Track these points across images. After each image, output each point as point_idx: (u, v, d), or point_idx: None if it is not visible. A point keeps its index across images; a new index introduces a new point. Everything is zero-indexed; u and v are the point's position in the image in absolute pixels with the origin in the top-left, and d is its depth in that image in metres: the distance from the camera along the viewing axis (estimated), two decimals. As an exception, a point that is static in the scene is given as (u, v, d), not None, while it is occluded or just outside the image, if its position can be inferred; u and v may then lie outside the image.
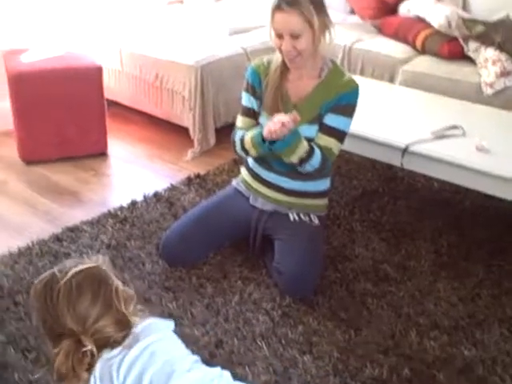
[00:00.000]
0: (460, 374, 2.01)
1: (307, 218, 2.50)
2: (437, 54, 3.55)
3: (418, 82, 3.37)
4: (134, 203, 2.98)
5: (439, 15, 3.57)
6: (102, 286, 1.49)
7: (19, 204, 3.02)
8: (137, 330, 1.52)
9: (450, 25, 3.50)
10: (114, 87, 3.90)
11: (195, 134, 3.55)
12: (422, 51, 3.62)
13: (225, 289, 2.38)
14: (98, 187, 3.22)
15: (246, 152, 2.47)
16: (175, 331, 1.62)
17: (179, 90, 3.57)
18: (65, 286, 1.45)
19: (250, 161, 2.58)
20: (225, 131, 3.59)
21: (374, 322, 2.22)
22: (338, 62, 3.65)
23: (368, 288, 2.39)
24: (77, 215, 2.91)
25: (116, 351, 1.48)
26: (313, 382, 1.97)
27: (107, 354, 1.48)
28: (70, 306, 1.43)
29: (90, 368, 1.46)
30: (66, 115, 3.39)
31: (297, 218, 2.49)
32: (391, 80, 3.55)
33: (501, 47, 3.36)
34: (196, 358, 1.60)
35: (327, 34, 2.32)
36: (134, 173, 3.40)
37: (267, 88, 2.44)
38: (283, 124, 2.18)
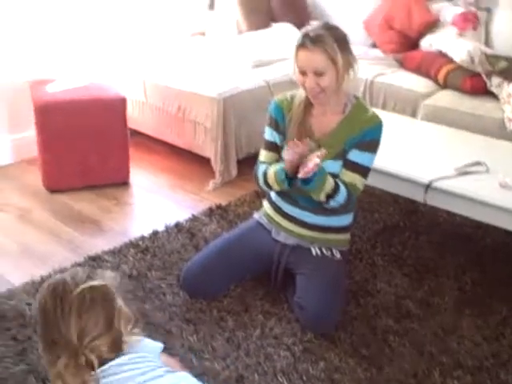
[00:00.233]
0: (484, 416, 1.98)
1: (329, 253, 2.49)
2: (459, 89, 3.55)
3: (440, 117, 3.38)
4: (155, 233, 2.99)
5: (462, 50, 3.58)
6: (107, 307, 1.50)
7: (43, 233, 3.05)
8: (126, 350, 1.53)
9: (472, 60, 3.51)
10: (137, 117, 3.94)
11: (217, 165, 3.58)
12: (444, 86, 3.63)
13: (246, 322, 2.37)
14: (119, 216, 3.25)
15: (269, 187, 2.48)
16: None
17: (202, 121, 3.60)
18: (76, 300, 1.46)
19: (273, 194, 2.59)
20: (247, 162, 3.62)
21: (396, 360, 2.19)
22: (360, 95, 3.67)
23: (390, 324, 2.37)
24: (99, 244, 2.93)
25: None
26: (334, 421, 1.95)
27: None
28: (77, 319, 1.44)
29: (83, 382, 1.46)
30: (90, 145, 3.43)
31: (319, 252, 2.48)
32: (413, 114, 3.55)
33: (524, 83, 3.36)
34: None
35: (351, 72, 2.34)
36: (155, 202, 3.42)
37: (291, 123, 2.45)
38: (316, 164, 2.18)
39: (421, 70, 3.78)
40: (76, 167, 3.45)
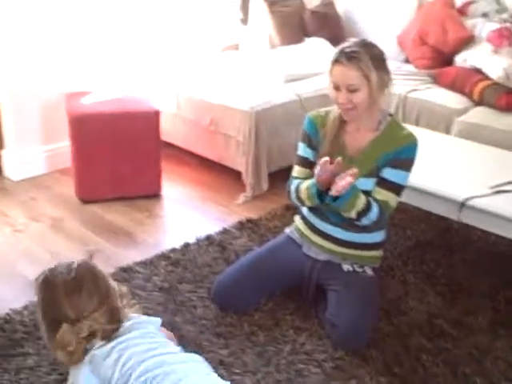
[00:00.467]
0: None
1: (361, 269, 2.47)
2: (494, 106, 3.52)
3: (474, 134, 3.34)
4: (186, 245, 3.00)
5: (497, 67, 3.55)
6: (98, 283, 1.73)
7: (74, 242, 3.07)
8: (126, 324, 1.75)
9: (508, 77, 3.48)
10: (169, 129, 3.97)
11: (248, 179, 3.58)
12: (479, 102, 3.60)
13: (276, 337, 2.36)
14: (151, 228, 3.26)
15: (301, 202, 2.48)
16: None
17: (233, 134, 3.62)
18: (65, 282, 1.70)
19: (305, 210, 2.58)
20: (277, 176, 3.62)
21: (429, 380, 2.16)
22: (393, 110, 3.66)
23: (423, 343, 2.34)
24: (130, 255, 2.94)
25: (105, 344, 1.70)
26: None
27: (97, 345, 1.70)
28: (70, 298, 1.67)
29: (84, 353, 1.69)
30: (123, 157, 3.46)
31: (351, 268, 2.47)
32: (447, 131, 3.52)
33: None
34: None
35: (385, 90, 2.33)
36: (186, 214, 3.43)
37: (324, 138, 2.45)
38: (349, 182, 2.18)
39: (455, 86, 3.75)
40: (108, 178, 3.48)
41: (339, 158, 2.22)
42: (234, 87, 3.81)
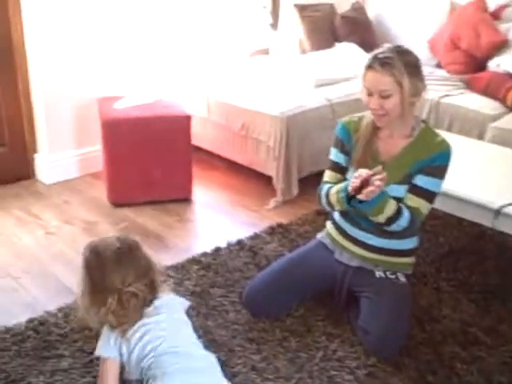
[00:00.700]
0: None
1: (394, 276, 2.46)
2: (528, 112, 3.49)
3: (508, 140, 3.30)
4: (217, 250, 3.01)
5: (531, 72, 3.52)
6: (142, 255, 1.93)
7: (107, 246, 3.10)
8: (156, 303, 1.93)
9: (543, 82, 3.44)
10: (199, 133, 3.99)
11: (278, 184, 3.58)
12: (513, 108, 3.57)
13: (309, 344, 2.35)
14: (182, 232, 3.28)
15: (332, 206, 2.47)
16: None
17: (264, 139, 3.62)
18: (113, 253, 1.87)
19: (336, 216, 2.57)
20: (308, 181, 3.62)
21: (464, 389, 2.14)
22: (425, 116, 3.64)
23: (457, 351, 2.31)
24: (161, 259, 2.90)
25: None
26: None
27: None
28: (117, 268, 1.85)
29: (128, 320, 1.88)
30: (155, 161, 3.49)
31: (383, 275, 2.45)
32: (480, 137, 3.49)
33: None
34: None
35: (418, 98, 2.31)
36: (216, 219, 3.45)
37: (357, 143, 2.44)
38: (378, 186, 2.17)
39: (488, 91, 3.71)
40: (140, 182, 3.51)
41: (380, 168, 2.20)
42: (264, 92, 3.82)
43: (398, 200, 2.33)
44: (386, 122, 2.35)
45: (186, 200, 3.61)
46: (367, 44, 4.37)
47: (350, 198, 2.31)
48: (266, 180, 3.70)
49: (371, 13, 4.79)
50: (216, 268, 2.85)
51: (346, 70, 4.08)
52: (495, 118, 3.53)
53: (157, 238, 3.18)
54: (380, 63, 2.24)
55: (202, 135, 4.02)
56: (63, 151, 3.83)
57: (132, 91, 3.85)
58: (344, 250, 2.52)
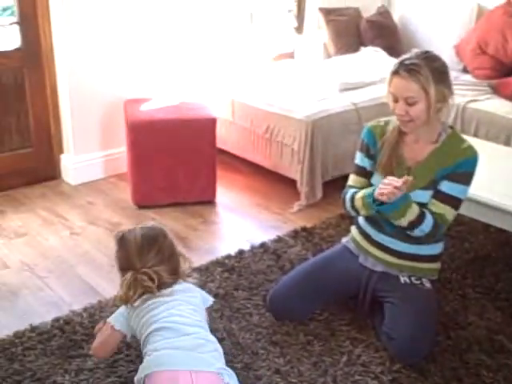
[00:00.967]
0: None
1: (419, 282, 2.44)
2: (556, 117, 3.44)
3: (535, 145, 3.28)
4: (241, 252, 3.02)
5: (560, 77, 3.48)
6: (166, 244, 2.07)
7: (131, 247, 3.11)
8: (175, 287, 2.04)
9: None
10: (223, 136, 4.00)
11: (302, 187, 3.58)
12: (541, 114, 3.53)
13: (333, 348, 2.34)
14: (206, 234, 3.29)
15: (357, 211, 2.46)
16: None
17: (289, 142, 3.62)
18: (138, 238, 2.04)
19: (361, 220, 2.56)
20: (332, 185, 3.61)
21: (490, 397, 2.12)
22: (451, 121, 3.61)
23: (482, 359, 2.28)
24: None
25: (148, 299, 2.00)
26: None
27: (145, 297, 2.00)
28: (139, 252, 2.01)
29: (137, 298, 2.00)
30: (179, 163, 3.50)
31: (408, 280, 2.44)
32: (507, 142, 3.46)
33: None
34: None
35: (444, 104, 2.28)
36: (240, 222, 3.45)
37: (382, 148, 2.43)
38: (395, 187, 2.16)
39: (516, 96, 3.68)
40: (164, 184, 3.53)
41: (409, 178, 2.19)
42: (289, 96, 3.81)
43: (423, 205, 2.31)
44: (412, 128, 2.33)
45: (209, 202, 3.62)
46: (393, 48, 4.36)
47: (374, 202, 2.30)
48: (290, 183, 3.70)
49: (397, 17, 4.77)
50: (240, 271, 2.86)
51: (371, 74, 4.06)
52: (523, 123, 3.49)
53: (181, 240, 3.19)
54: (406, 69, 2.23)
55: (226, 138, 4.03)
56: (89, 152, 3.86)
57: (158, 93, 3.87)
58: (368, 254, 2.51)
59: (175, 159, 3.50)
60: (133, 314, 2.02)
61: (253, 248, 3.06)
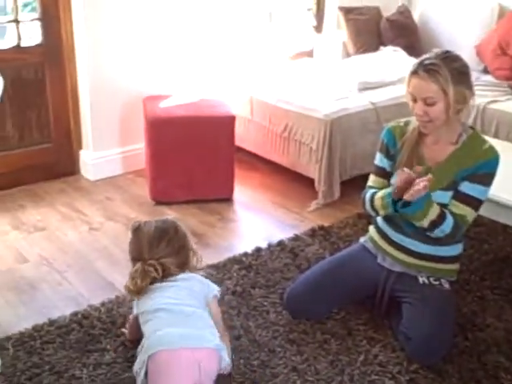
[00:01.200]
0: None
1: (437, 282, 2.43)
2: None
3: (556, 147, 3.24)
4: (258, 250, 3.02)
5: None
6: (177, 237, 2.13)
7: (149, 243, 3.12)
8: (179, 276, 2.10)
9: None
10: (241, 134, 3.99)
11: (320, 186, 3.57)
12: (562, 115, 3.50)
13: (350, 347, 2.34)
14: (223, 232, 3.30)
15: (376, 211, 2.46)
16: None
17: (307, 141, 3.62)
18: (150, 230, 2.12)
19: (380, 220, 2.55)
20: (350, 185, 3.61)
21: (508, 399, 2.11)
22: (471, 122, 3.59)
23: (501, 361, 2.27)
24: (203, 258, 2.96)
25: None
26: None
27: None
28: (149, 244, 2.09)
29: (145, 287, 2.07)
30: (197, 160, 3.51)
31: (426, 281, 2.43)
32: (527, 143, 3.43)
33: None
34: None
35: (464, 105, 2.26)
36: (257, 219, 3.46)
37: (402, 148, 2.42)
38: (424, 187, 2.15)
39: (537, 97, 3.65)
40: (182, 181, 3.54)
41: (421, 167, 2.19)
42: (308, 94, 3.80)
43: (443, 206, 2.30)
44: (431, 129, 2.32)
45: (227, 200, 3.63)
46: (413, 48, 4.34)
47: (396, 201, 2.30)
48: (308, 182, 3.70)
49: (417, 16, 4.74)
50: (257, 268, 2.86)
51: (390, 74, 4.04)
52: (544, 124, 3.46)
53: (198, 237, 3.19)
54: (425, 70, 2.22)
55: (244, 136, 4.03)
56: (108, 149, 3.88)
57: (177, 90, 3.88)
58: (387, 254, 2.51)
59: (193, 156, 3.51)
60: (137, 302, 2.13)
61: (270, 246, 3.06)
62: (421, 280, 2.43)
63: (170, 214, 3.42)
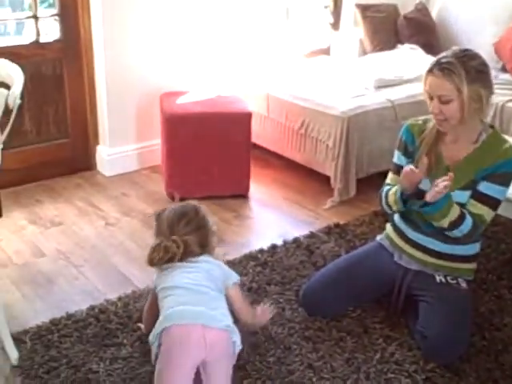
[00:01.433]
0: None
1: (454, 281, 2.41)
2: None
3: None
4: (274, 247, 3.02)
5: None
6: (197, 218, 2.23)
7: (165, 239, 3.12)
8: (201, 257, 2.17)
9: None
10: (257, 131, 3.98)
11: (336, 184, 3.56)
12: None
13: (366, 345, 2.33)
14: (239, 228, 3.30)
15: (390, 207, 2.45)
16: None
17: (324, 138, 3.61)
18: (171, 211, 2.23)
19: (397, 218, 2.55)
20: (366, 183, 3.60)
21: (527, 400, 2.09)
22: (489, 121, 3.56)
23: (518, 361, 2.26)
24: (219, 254, 2.96)
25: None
26: None
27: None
28: (170, 222, 2.18)
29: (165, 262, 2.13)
30: (213, 156, 3.51)
31: (443, 280, 2.41)
32: (546, 142, 3.39)
33: None
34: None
35: (480, 104, 2.24)
36: (273, 216, 3.46)
37: (420, 146, 2.41)
38: (445, 186, 2.14)
39: (556, 96, 3.61)
40: (198, 177, 3.54)
41: (451, 174, 2.18)
42: (325, 91, 3.79)
43: (461, 206, 2.29)
44: (448, 128, 2.31)
45: (243, 196, 3.63)
46: (430, 46, 4.32)
47: (406, 198, 2.28)
48: (324, 179, 3.69)
49: (435, 14, 4.71)
50: (272, 265, 2.86)
51: (407, 71, 4.02)
52: None
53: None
54: (440, 68, 2.21)
55: (260, 132, 4.03)
56: (124, 145, 3.89)
57: (194, 87, 3.88)
58: (403, 252, 2.50)
59: (210, 152, 3.51)
60: (157, 276, 2.18)
61: (285, 243, 3.06)
62: (438, 279, 2.42)
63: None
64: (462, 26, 4.49)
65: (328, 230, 3.20)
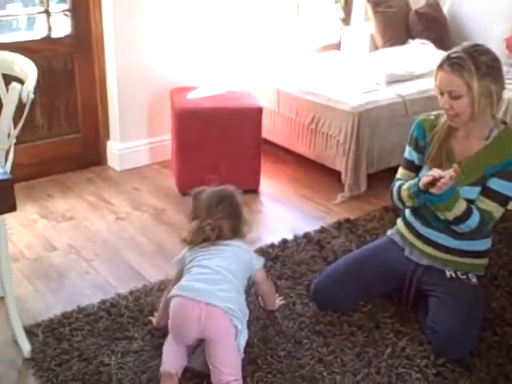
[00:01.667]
0: None
1: (465, 277, 2.41)
2: None
3: None
4: (284, 242, 3.02)
5: None
6: (232, 204, 2.30)
7: (175, 232, 3.12)
8: (231, 242, 2.25)
9: None
10: (268, 126, 3.99)
11: (347, 179, 3.56)
12: None
13: (376, 340, 2.33)
14: (250, 223, 3.28)
15: (403, 203, 2.44)
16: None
17: (334, 134, 3.60)
18: (208, 195, 2.30)
19: (407, 213, 2.54)
20: (376, 178, 3.59)
21: (538, 396, 2.08)
22: (501, 115, 3.53)
23: (530, 357, 2.25)
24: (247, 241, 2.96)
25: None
26: None
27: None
28: (208, 205, 2.26)
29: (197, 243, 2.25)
30: (224, 151, 3.52)
31: (454, 275, 2.41)
32: (558, 138, 3.37)
33: None
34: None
35: (490, 100, 2.22)
36: (283, 211, 3.46)
37: (432, 141, 2.40)
38: (451, 177, 2.13)
39: None
40: (208, 172, 3.53)
41: (456, 166, 2.17)
42: (336, 87, 3.78)
43: (470, 202, 2.28)
44: (459, 123, 2.30)
45: (253, 191, 3.63)
46: (442, 41, 4.30)
47: (421, 191, 2.28)
48: (334, 175, 3.69)
49: (446, 9, 4.69)
50: (283, 260, 2.87)
51: (418, 67, 4.01)
52: None
53: (224, 228, 3.21)
54: (449, 64, 2.20)
55: (270, 128, 4.02)
56: (134, 140, 3.90)
57: (205, 82, 3.89)
58: (414, 247, 2.49)
59: (220, 147, 3.51)
60: (188, 255, 2.27)
61: (296, 238, 3.07)
62: (448, 274, 2.42)
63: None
64: (474, 21, 4.47)
65: (338, 225, 3.20)
